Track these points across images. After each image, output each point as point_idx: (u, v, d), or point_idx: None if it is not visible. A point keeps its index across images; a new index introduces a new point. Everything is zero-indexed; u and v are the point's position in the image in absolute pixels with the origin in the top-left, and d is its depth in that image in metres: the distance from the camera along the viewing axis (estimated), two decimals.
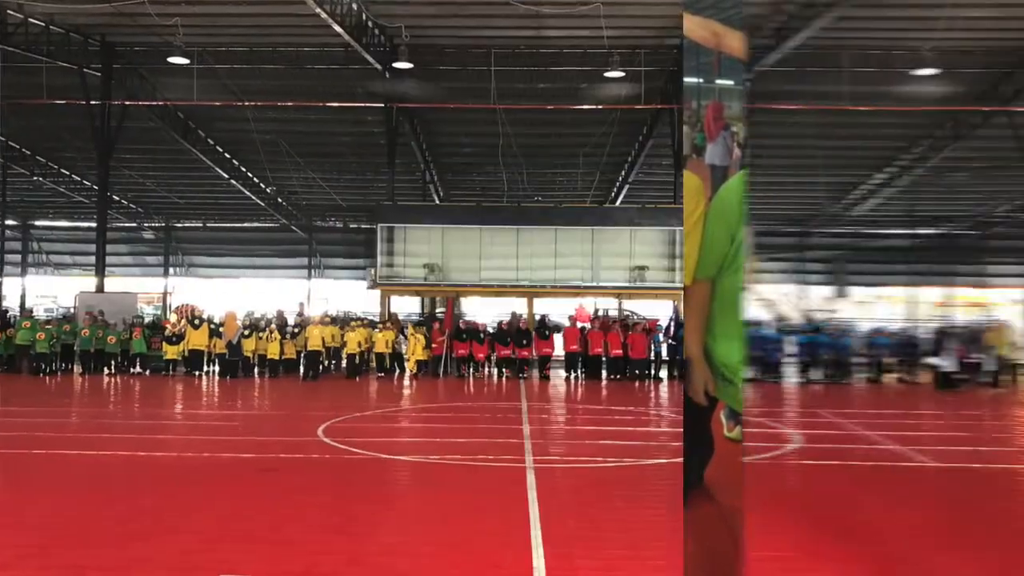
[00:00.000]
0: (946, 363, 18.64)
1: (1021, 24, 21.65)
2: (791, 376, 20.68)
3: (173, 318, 22.43)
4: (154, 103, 26.55)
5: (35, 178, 34.56)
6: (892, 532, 6.81)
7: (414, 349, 20.42)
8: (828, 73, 23.48)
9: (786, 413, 14.70)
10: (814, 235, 41.84)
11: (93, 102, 24.11)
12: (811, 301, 28.94)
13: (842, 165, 31.67)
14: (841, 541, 6.48)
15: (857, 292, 44.70)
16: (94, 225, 27.76)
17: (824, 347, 20.32)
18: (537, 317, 22.26)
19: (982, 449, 11.02)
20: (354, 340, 20.16)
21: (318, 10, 19.17)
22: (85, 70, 23.84)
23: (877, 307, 45.86)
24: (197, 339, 19.89)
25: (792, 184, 32.25)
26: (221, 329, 19.98)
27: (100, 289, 24.88)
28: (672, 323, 21.45)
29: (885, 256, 41.97)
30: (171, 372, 20.04)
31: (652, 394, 17.80)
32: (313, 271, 44.40)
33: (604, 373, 20.58)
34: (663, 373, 20.98)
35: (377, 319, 23.45)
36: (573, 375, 20.44)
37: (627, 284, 23.33)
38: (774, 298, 26.29)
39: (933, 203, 36.53)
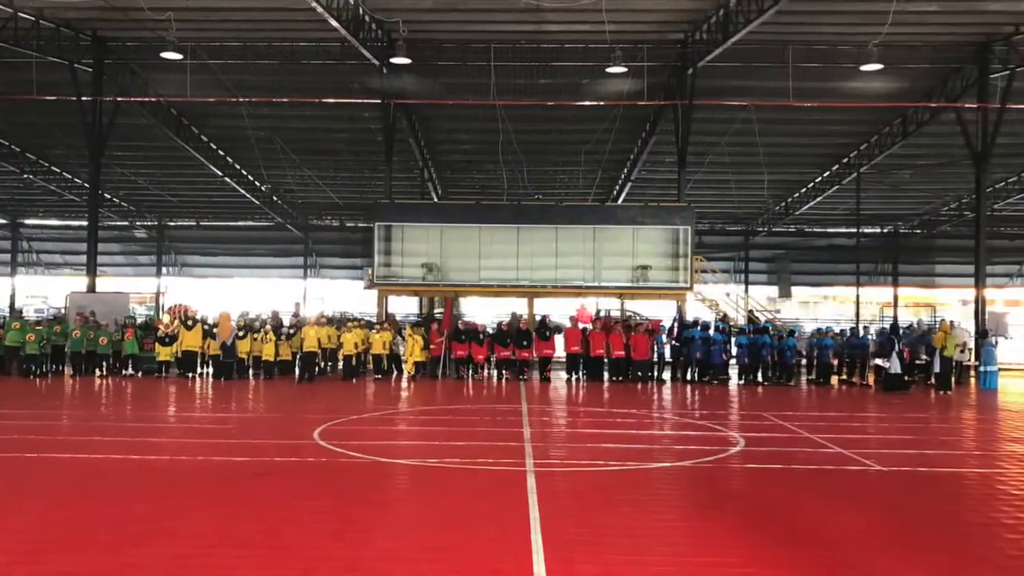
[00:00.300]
0: (892, 365, 18.65)
1: (969, 19, 21.78)
2: (734, 378, 20.75)
3: (166, 319, 22.44)
4: (147, 99, 26.57)
5: (25, 176, 34.60)
6: (837, 536, 6.85)
7: (412, 350, 20.43)
8: (773, 69, 23.62)
9: (729, 415, 14.74)
10: (758, 234, 42.02)
11: (84, 98, 24.11)
12: (754, 301, 29.00)
13: (787, 163, 31.94)
14: (785, 546, 6.51)
15: (801, 292, 45.04)
16: (85, 224, 27.80)
17: (767, 348, 20.37)
18: (537, 318, 22.28)
19: (928, 452, 11.06)
20: (351, 341, 20.17)
21: (314, 4, 19.19)
22: (76, 65, 23.87)
23: (822, 307, 46.25)
24: (190, 340, 19.89)
25: (736, 182, 32.39)
26: (215, 330, 19.97)
27: (91, 289, 24.90)
28: (675, 324, 21.47)
29: (830, 256, 42.27)
30: (164, 374, 20.05)
31: (655, 396, 17.81)
32: (309, 271, 44.46)
33: (606, 375, 20.61)
34: (666, 375, 21.01)
35: (374, 320, 23.47)
36: (574, 377, 20.46)
37: (629, 284, 23.36)
38: (717, 298, 26.32)
39: (879, 201, 36.76)
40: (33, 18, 22.36)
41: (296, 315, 26.15)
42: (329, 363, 21.36)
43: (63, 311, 26.10)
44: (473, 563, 6.00)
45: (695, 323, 21.37)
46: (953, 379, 19.49)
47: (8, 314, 27.43)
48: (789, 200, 37.12)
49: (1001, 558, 6.39)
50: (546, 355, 20.78)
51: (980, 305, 24.19)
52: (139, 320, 23.91)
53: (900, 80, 24.72)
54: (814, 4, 20.85)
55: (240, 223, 42.76)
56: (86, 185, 29.29)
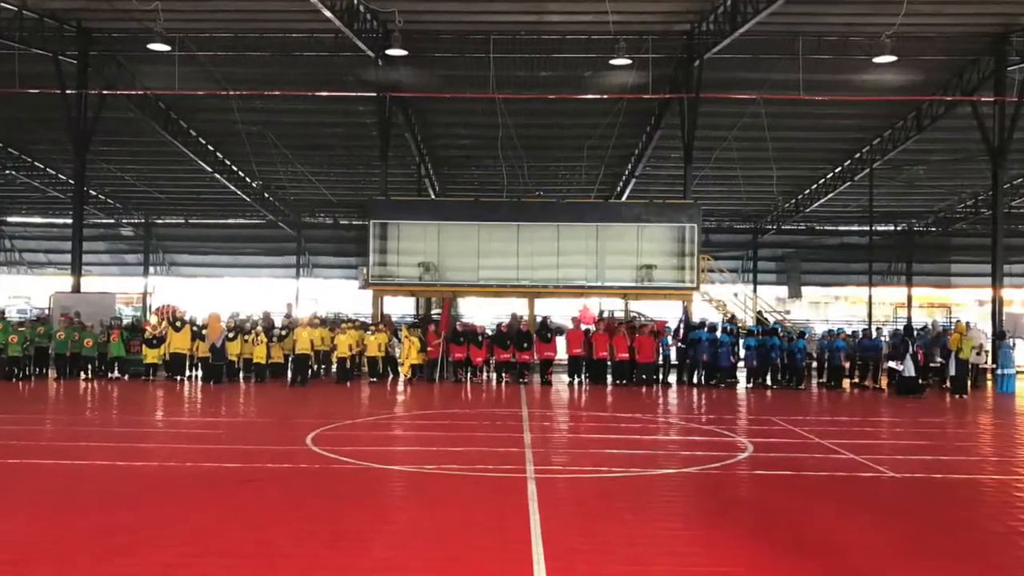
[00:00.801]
0: (906, 367, 18.66)
1: (985, 9, 21.79)
2: (742, 381, 20.75)
3: (153, 320, 22.46)
4: (133, 92, 26.57)
5: (7, 172, 34.61)
6: (848, 544, 6.87)
7: (408, 353, 20.43)
8: (782, 61, 23.58)
9: (737, 420, 14.75)
10: (767, 232, 42.01)
11: (69, 91, 24.10)
12: (763, 302, 29.05)
13: (797, 158, 31.91)
14: (793, 554, 6.53)
15: (812, 292, 44.97)
16: (70, 221, 27.80)
17: (777, 351, 20.34)
18: (538, 319, 22.28)
19: (943, 458, 11.05)
20: (345, 343, 20.17)
21: None
22: (60, 57, 23.85)
23: (833, 308, 46.18)
24: (179, 342, 19.89)
25: (744, 178, 32.36)
26: (204, 331, 19.97)
27: (76, 289, 24.91)
28: (681, 325, 21.48)
29: (841, 254, 42.24)
30: (151, 377, 20.06)
31: (660, 400, 17.83)
32: (302, 270, 44.45)
33: (609, 378, 20.62)
34: (672, 378, 21.01)
35: (369, 321, 23.48)
36: (576, 380, 20.47)
37: (634, 284, 23.36)
38: (724, 299, 26.31)
39: (893, 198, 36.71)
40: (15, 8, 22.35)
41: (288, 316, 26.11)
42: (322, 366, 21.34)
43: (47, 312, 26.09)
44: (472, 573, 6.01)
45: (702, 324, 21.38)
46: (969, 382, 19.48)
47: None
48: (799, 197, 37.13)
49: (1018, 567, 6.40)
50: (547, 358, 20.79)
51: (997, 306, 24.19)
52: (125, 321, 23.91)
53: (914, 72, 24.73)
54: None
55: (230, 221, 42.74)
56: (70, 181, 29.28)
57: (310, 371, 20.19)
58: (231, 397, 17.18)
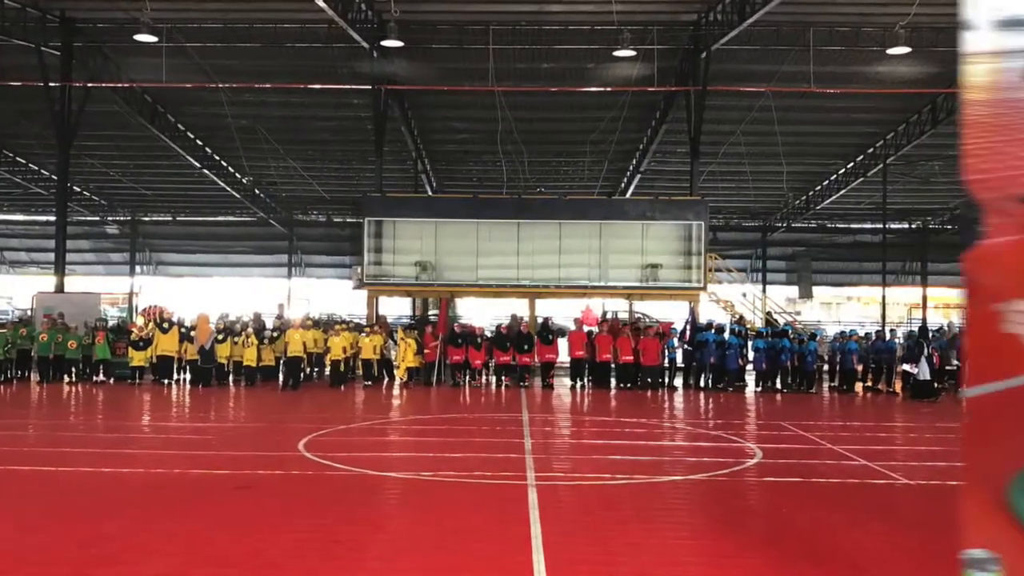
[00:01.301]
0: (920, 370, 18.66)
1: None
2: (751, 384, 20.77)
3: (140, 321, 22.47)
4: (119, 85, 26.59)
5: None
6: (860, 554, 6.87)
7: (404, 355, 20.44)
8: (792, 52, 23.60)
9: (745, 425, 14.76)
10: (776, 230, 42.01)
11: (52, 84, 24.13)
12: (773, 302, 29.09)
13: (807, 153, 31.94)
14: (804, 564, 6.53)
15: (823, 292, 44.97)
16: (53, 219, 27.88)
17: (787, 353, 20.35)
18: (539, 320, 22.30)
19: (959, 465, 10.98)
20: (338, 345, 20.18)
21: None
22: (43, 48, 23.86)
23: (845, 309, 46.19)
24: (166, 344, 19.91)
25: (752, 174, 32.42)
26: (193, 333, 19.98)
27: (60, 289, 24.93)
28: (688, 327, 21.50)
29: (854, 253, 42.28)
30: (138, 380, 20.07)
31: (666, 404, 17.84)
32: (294, 269, 44.52)
33: (613, 381, 20.63)
34: (678, 381, 21.03)
35: (364, 322, 23.49)
36: (579, 383, 20.48)
37: (638, 284, 23.39)
38: (732, 299, 26.32)
39: (907, 195, 36.77)
40: None
41: (280, 317, 26.16)
42: (315, 369, 21.37)
43: (29, 313, 26.11)
44: None
45: (709, 326, 21.39)
46: None
47: None
48: (810, 193, 37.17)
49: None
50: (548, 360, 20.79)
51: None
52: (111, 323, 23.91)
53: (929, 64, 24.72)
54: None
55: (219, 218, 42.79)
56: (54, 177, 29.30)
57: (302, 374, 20.19)
58: (220, 401, 17.20)
